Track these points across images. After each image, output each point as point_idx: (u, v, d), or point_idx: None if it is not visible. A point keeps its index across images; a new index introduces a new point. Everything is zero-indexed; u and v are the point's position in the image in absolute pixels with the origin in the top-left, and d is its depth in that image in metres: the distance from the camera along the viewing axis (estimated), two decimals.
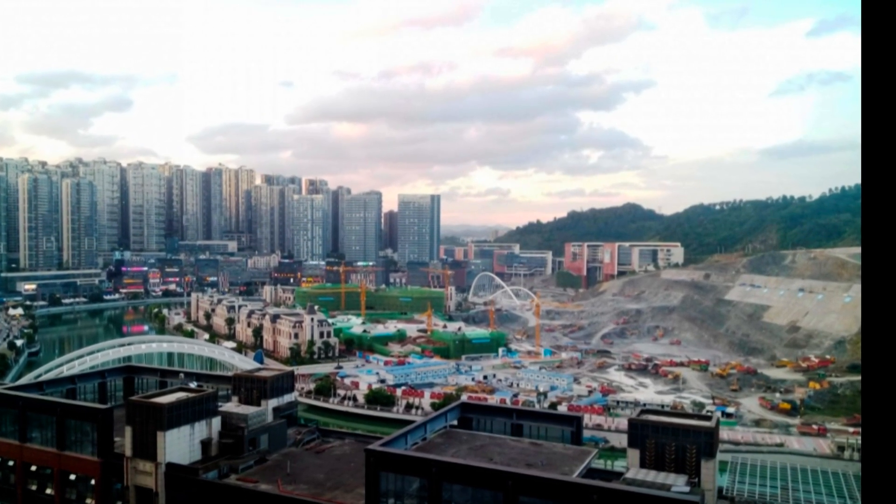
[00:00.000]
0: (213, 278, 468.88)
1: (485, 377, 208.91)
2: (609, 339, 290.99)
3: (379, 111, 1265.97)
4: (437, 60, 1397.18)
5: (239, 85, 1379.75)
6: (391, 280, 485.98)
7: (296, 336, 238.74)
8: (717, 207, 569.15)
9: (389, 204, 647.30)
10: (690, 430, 51.80)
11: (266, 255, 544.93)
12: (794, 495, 54.26)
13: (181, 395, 62.30)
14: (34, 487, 66.01)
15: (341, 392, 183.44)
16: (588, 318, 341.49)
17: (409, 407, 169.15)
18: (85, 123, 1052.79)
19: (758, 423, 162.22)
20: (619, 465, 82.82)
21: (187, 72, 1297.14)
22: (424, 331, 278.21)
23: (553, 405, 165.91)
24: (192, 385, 74.65)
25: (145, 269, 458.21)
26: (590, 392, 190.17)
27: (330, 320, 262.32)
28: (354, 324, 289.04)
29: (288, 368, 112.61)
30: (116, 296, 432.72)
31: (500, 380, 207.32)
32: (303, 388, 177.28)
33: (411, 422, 68.25)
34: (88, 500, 62.89)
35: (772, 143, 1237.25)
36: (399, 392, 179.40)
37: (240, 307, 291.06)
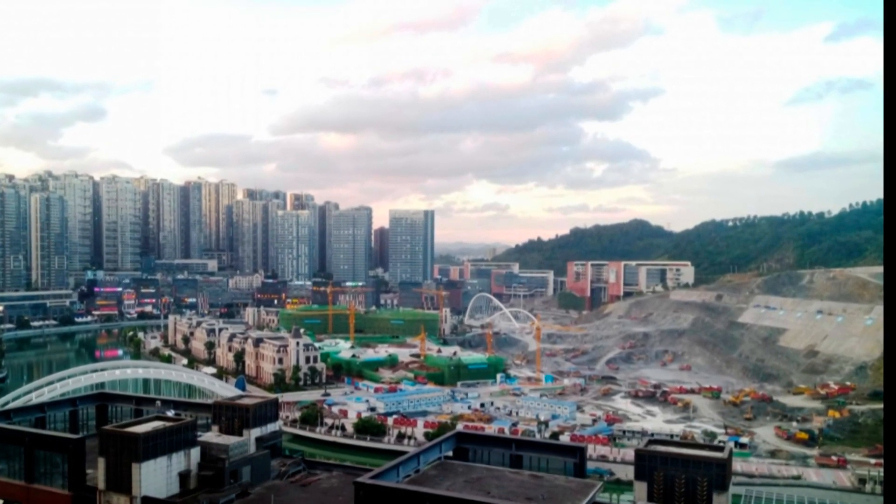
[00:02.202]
0: (192, 299, 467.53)
1: (482, 405, 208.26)
2: (614, 365, 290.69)
3: (369, 121, 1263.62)
4: (431, 67, 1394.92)
5: (219, 93, 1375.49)
6: (382, 301, 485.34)
7: (280, 361, 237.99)
8: (730, 224, 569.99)
9: (380, 220, 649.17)
10: (701, 462, 51.78)
11: (248, 274, 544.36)
12: None
13: (158, 424, 62.08)
14: None
15: (329, 421, 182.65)
16: (592, 341, 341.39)
17: (401, 437, 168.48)
18: (55, 134, 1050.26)
19: (773, 453, 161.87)
20: (625, 499, 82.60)
21: (164, 79, 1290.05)
22: (417, 355, 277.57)
23: (555, 435, 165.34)
24: (170, 413, 74.46)
25: (119, 289, 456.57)
26: (594, 421, 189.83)
27: (317, 344, 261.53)
28: (343, 348, 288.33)
29: (272, 396, 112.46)
30: (89, 318, 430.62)
31: (498, 408, 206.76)
32: (287, 417, 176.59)
33: (403, 452, 68.03)
34: None
35: (788, 154, 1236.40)
36: (390, 421, 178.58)
37: (220, 330, 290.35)
